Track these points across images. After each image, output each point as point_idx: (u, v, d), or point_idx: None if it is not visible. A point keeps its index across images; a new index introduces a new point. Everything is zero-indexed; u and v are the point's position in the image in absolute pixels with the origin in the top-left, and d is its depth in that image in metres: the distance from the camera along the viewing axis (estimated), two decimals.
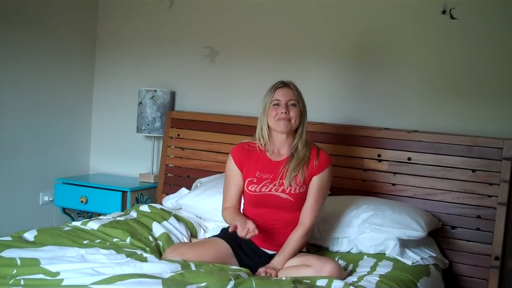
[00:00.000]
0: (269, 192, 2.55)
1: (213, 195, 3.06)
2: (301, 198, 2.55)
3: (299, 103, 2.57)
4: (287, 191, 2.53)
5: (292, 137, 2.60)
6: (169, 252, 2.52)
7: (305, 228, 2.53)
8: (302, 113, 2.58)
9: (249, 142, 2.67)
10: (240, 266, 2.49)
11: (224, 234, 2.62)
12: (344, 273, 2.44)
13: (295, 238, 2.51)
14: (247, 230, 2.37)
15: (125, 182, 3.85)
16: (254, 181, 2.58)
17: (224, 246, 2.55)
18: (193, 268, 2.31)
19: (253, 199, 2.59)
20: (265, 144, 2.62)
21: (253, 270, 2.45)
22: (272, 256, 2.53)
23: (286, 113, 2.52)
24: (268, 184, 2.56)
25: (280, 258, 2.48)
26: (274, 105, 2.55)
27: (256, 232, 2.37)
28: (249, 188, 2.58)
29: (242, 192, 2.64)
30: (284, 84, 2.59)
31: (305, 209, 2.56)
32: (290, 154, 2.58)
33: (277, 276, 2.40)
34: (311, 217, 2.55)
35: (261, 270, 2.41)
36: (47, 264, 2.16)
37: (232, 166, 2.64)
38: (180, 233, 2.88)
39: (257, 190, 2.56)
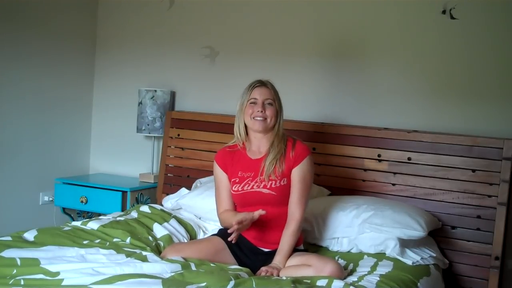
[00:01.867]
0: (251, 190, 2.58)
1: (213, 195, 3.04)
2: (283, 191, 2.57)
3: (275, 102, 2.63)
4: (268, 186, 2.56)
5: (270, 134, 2.64)
6: (167, 251, 2.55)
7: (296, 222, 2.54)
8: (278, 112, 2.63)
9: (230, 145, 2.72)
10: (239, 264, 2.51)
11: (221, 233, 2.67)
12: (344, 273, 2.44)
13: (289, 234, 2.53)
14: (252, 215, 2.42)
15: (125, 182, 3.85)
16: (237, 181, 2.62)
17: (221, 244, 2.58)
18: (193, 268, 2.31)
19: (238, 198, 2.63)
20: (243, 143, 2.68)
21: (252, 269, 2.45)
22: (269, 253, 2.55)
23: (262, 111, 2.57)
24: (250, 182, 2.59)
25: (280, 257, 2.49)
26: (251, 103, 2.60)
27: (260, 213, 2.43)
28: (233, 188, 2.63)
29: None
30: (262, 83, 2.65)
31: (292, 203, 2.57)
32: (267, 150, 2.62)
33: (279, 276, 2.41)
34: (299, 210, 2.56)
35: (263, 269, 2.42)
36: (47, 264, 2.16)
37: (218, 171, 2.70)
38: (181, 235, 2.89)
39: (240, 189, 2.60)
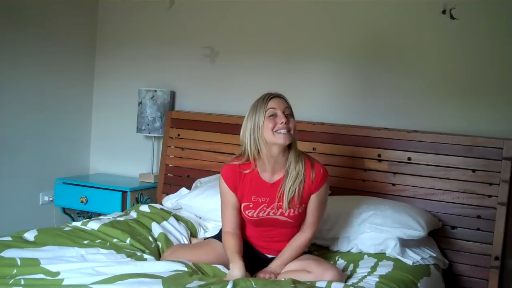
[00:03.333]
0: (267, 216, 2.45)
1: (213, 195, 3.05)
2: (300, 217, 2.47)
3: (292, 114, 2.41)
4: (286, 214, 2.42)
5: (285, 152, 2.40)
6: (167, 255, 2.52)
7: (306, 237, 2.49)
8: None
9: (239, 164, 2.45)
10: None
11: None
12: (345, 276, 2.43)
13: (295, 246, 2.47)
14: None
15: (125, 182, 3.85)
16: (251, 206, 2.44)
17: (221, 248, 2.50)
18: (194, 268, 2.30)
19: (251, 222, 2.50)
20: (255, 163, 2.43)
21: (252, 273, 2.43)
22: (271, 259, 2.51)
23: (286, 123, 2.32)
24: (265, 208, 2.43)
25: (278, 263, 2.45)
26: (270, 116, 2.34)
27: None
28: (246, 212, 2.47)
29: (240, 212, 2.50)
30: (276, 95, 2.41)
31: (306, 223, 2.49)
32: (284, 172, 2.41)
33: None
34: (311, 230, 2.50)
35: (260, 275, 2.38)
36: (47, 264, 2.16)
37: (225, 189, 2.47)
38: (179, 233, 2.88)
39: (255, 215, 2.45)
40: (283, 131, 2.33)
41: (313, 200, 2.45)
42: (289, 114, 2.38)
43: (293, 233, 2.51)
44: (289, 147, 2.40)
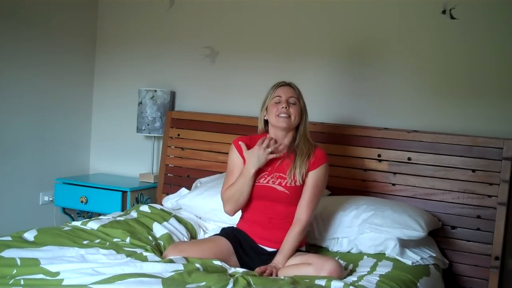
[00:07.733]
0: (266, 184, 2.60)
1: (213, 195, 3.05)
2: (296, 191, 2.59)
3: (299, 101, 2.65)
4: (283, 184, 2.58)
5: (291, 134, 2.66)
6: (170, 250, 2.52)
7: (301, 224, 2.56)
8: (303, 112, 2.65)
9: (251, 135, 2.74)
10: (240, 265, 2.52)
11: (225, 233, 2.66)
12: (344, 272, 2.45)
13: (292, 235, 2.54)
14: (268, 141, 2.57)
15: (125, 182, 3.85)
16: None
17: (225, 244, 2.58)
18: (194, 267, 2.30)
19: (253, 191, 2.61)
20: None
21: (253, 269, 2.45)
22: (272, 253, 2.55)
23: (286, 108, 2.58)
24: (266, 176, 2.61)
25: (281, 257, 2.51)
26: (275, 102, 2.62)
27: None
28: None
29: None
30: (286, 84, 2.68)
31: (301, 205, 2.59)
32: (291, 150, 2.63)
33: (277, 275, 2.42)
34: (307, 213, 2.57)
35: (260, 270, 2.42)
36: (47, 264, 2.16)
37: (235, 155, 2.68)
38: (181, 233, 2.88)
39: (256, 181, 2.61)
40: (283, 115, 2.59)
41: (309, 178, 2.60)
42: (293, 102, 2.62)
43: (289, 214, 2.59)
44: (294, 130, 2.66)
